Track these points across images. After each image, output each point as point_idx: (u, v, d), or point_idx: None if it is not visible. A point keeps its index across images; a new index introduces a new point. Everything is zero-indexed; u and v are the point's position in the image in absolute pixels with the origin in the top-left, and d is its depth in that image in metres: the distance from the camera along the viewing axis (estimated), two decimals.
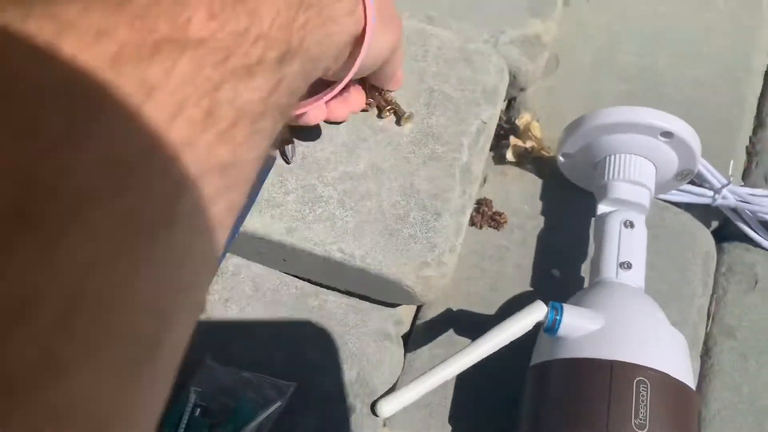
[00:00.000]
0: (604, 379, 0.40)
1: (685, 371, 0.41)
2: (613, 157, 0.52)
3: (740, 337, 0.54)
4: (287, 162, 0.47)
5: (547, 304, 0.43)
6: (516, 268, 0.55)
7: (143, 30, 0.16)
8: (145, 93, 0.15)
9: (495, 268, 0.55)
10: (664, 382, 0.40)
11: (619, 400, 0.39)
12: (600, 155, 0.53)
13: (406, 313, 0.53)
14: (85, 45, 0.15)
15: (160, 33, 0.16)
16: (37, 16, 0.14)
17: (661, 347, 0.42)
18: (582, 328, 0.43)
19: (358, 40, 0.34)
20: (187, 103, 0.16)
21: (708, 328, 0.55)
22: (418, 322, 0.53)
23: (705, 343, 0.55)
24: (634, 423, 0.38)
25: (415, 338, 0.52)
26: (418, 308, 0.54)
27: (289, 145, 0.48)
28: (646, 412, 0.38)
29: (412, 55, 0.53)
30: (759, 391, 0.52)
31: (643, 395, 0.39)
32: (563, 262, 0.56)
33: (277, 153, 0.47)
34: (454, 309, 0.53)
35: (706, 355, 0.54)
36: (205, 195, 0.17)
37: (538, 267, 0.55)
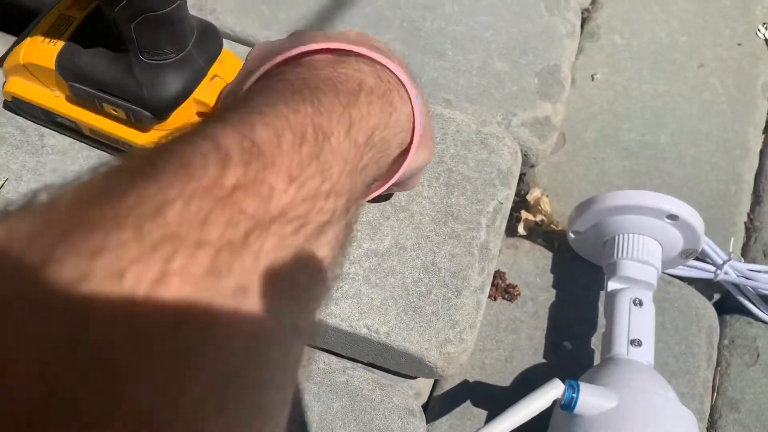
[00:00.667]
0: None
1: None
2: (621, 236, 0.55)
3: (744, 410, 0.57)
4: None
5: (563, 381, 0.46)
6: (529, 340, 0.57)
7: (233, 219, 0.17)
8: (241, 292, 0.17)
9: (509, 339, 0.57)
10: None
11: None
12: (609, 234, 0.56)
13: (424, 384, 0.55)
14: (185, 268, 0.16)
15: (247, 214, 0.18)
16: (107, 271, 0.15)
17: (672, 427, 0.44)
18: (597, 406, 0.45)
19: (402, 154, 0.37)
20: (274, 282, 0.18)
21: (713, 400, 0.57)
22: (436, 393, 0.55)
23: (711, 415, 0.57)
24: None
25: (433, 410, 0.54)
26: (436, 380, 0.56)
27: None
28: None
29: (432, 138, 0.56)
30: None
31: None
32: (574, 334, 0.58)
33: None
34: (471, 381, 0.55)
35: (711, 428, 0.56)
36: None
37: (550, 339, 0.58)
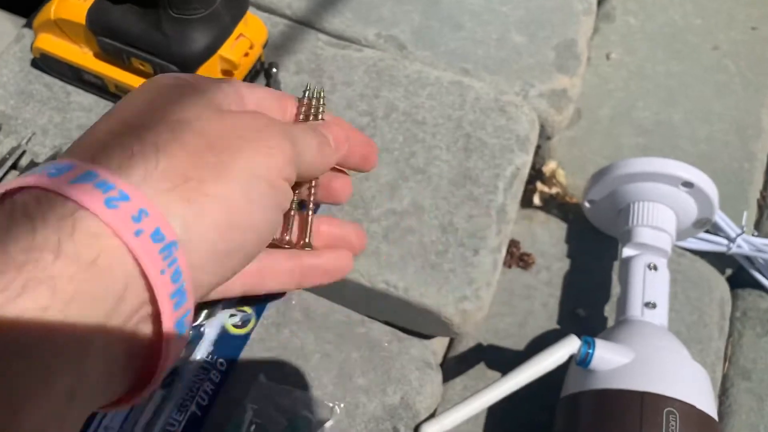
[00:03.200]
0: (636, 409, 0.42)
1: (709, 404, 0.44)
2: (637, 204, 0.55)
3: (755, 379, 0.57)
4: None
5: (579, 338, 0.46)
6: (543, 306, 0.58)
7: None
8: None
9: (523, 306, 0.58)
10: (691, 413, 0.42)
11: (650, 428, 0.41)
12: (624, 202, 0.56)
13: (439, 345, 0.55)
14: None
15: None
16: None
17: (687, 381, 0.44)
18: (613, 361, 0.45)
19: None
20: None
21: (725, 369, 0.58)
22: (450, 355, 0.56)
23: (722, 384, 0.57)
24: None
25: (448, 371, 0.55)
26: (450, 342, 0.57)
27: None
28: None
29: (450, 104, 0.57)
30: None
31: (672, 424, 0.41)
32: (588, 302, 0.58)
33: None
34: (485, 344, 0.56)
35: (723, 395, 0.56)
36: None
37: (564, 306, 0.58)
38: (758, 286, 0.62)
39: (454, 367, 0.55)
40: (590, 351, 0.45)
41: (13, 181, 0.24)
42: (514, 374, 0.45)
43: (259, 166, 0.28)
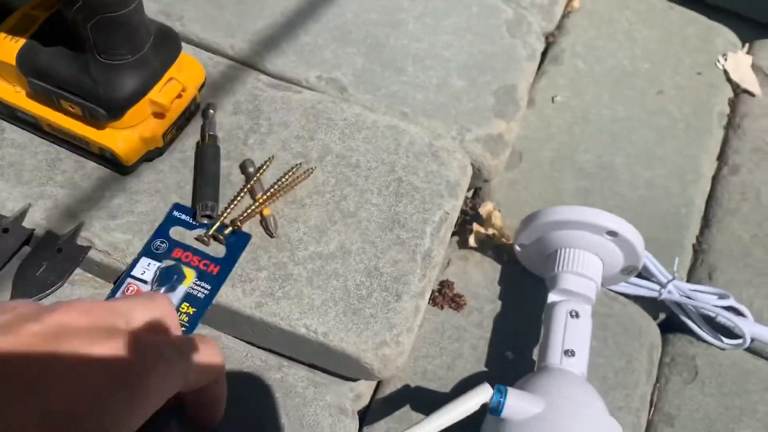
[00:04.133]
0: None
1: None
2: (563, 250, 0.56)
3: (678, 425, 0.58)
4: (270, 236, 0.52)
5: (493, 386, 0.47)
6: (472, 348, 0.59)
7: None
8: None
9: (453, 347, 0.59)
10: None
11: None
12: (551, 248, 0.57)
13: (366, 387, 0.56)
14: None
15: None
16: None
17: None
18: (525, 411, 0.46)
19: None
20: None
21: (650, 415, 0.59)
22: (377, 397, 0.56)
23: (646, 430, 0.58)
24: None
25: (373, 413, 0.55)
26: (378, 383, 0.57)
27: (271, 218, 0.52)
28: None
29: (385, 148, 0.58)
30: None
31: None
32: (516, 345, 0.59)
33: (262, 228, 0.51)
34: (412, 386, 0.57)
35: None
36: None
37: (492, 348, 0.59)
38: (688, 331, 0.63)
39: (380, 408, 0.55)
40: (502, 400, 0.46)
41: None
42: (426, 422, 0.46)
43: None
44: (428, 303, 0.59)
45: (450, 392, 0.56)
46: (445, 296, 0.61)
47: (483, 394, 0.47)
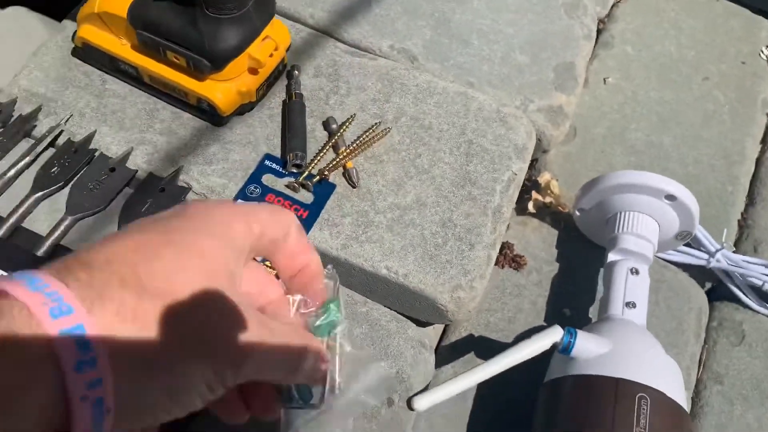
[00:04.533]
0: (611, 393, 0.46)
1: (679, 394, 0.48)
2: (623, 213, 0.60)
3: (727, 383, 0.61)
4: (353, 186, 0.55)
5: (563, 328, 0.50)
6: (532, 304, 0.62)
7: None
8: None
9: (513, 303, 0.62)
10: (661, 400, 0.46)
11: (623, 410, 0.45)
12: (611, 211, 0.61)
13: (434, 334, 0.59)
14: None
15: None
16: None
17: (659, 371, 0.48)
18: (592, 351, 0.49)
19: None
20: None
21: (699, 373, 0.62)
22: (443, 343, 0.60)
23: (696, 386, 0.61)
24: (636, 429, 0.44)
25: (440, 358, 0.58)
26: (444, 332, 0.61)
27: (354, 171, 0.56)
28: (646, 422, 0.45)
29: (455, 113, 0.62)
30: (742, 431, 0.58)
31: (643, 408, 0.45)
32: (573, 303, 0.62)
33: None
34: (475, 335, 0.60)
35: (696, 397, 0.60)
36: None
37: (551, 305, 0.62)
38: (735, 299, 0.66)
39: (445, 354, 0.59)
40: (572, 340, 0.49)
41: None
42: (501, 357, 0.49)
43: None
44: None
45: (511, 342, 0.60)
46: (506, 256, 0.64)
47: (554, 335, 0.50)
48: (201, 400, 0.27)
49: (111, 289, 0.25)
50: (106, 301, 0.24)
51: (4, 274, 0.24)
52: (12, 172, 0.53)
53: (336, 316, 0.35)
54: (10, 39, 0.77)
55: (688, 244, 0.66)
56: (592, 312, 0.62)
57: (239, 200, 0.52)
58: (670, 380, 0.48)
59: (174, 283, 0.26)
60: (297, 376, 0.32)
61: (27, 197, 0.52)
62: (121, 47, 0.56)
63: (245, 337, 0.27)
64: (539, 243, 0.66)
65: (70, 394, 0.23)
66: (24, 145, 0.55)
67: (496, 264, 0.64)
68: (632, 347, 0.50)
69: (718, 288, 0.68)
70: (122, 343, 0.24)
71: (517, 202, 0.68)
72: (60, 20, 0.69)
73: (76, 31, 0.58)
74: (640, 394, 0.46)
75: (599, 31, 0.84)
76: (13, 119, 0.56)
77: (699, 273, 0.67)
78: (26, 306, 0.23)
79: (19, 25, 0.79)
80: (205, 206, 0.31)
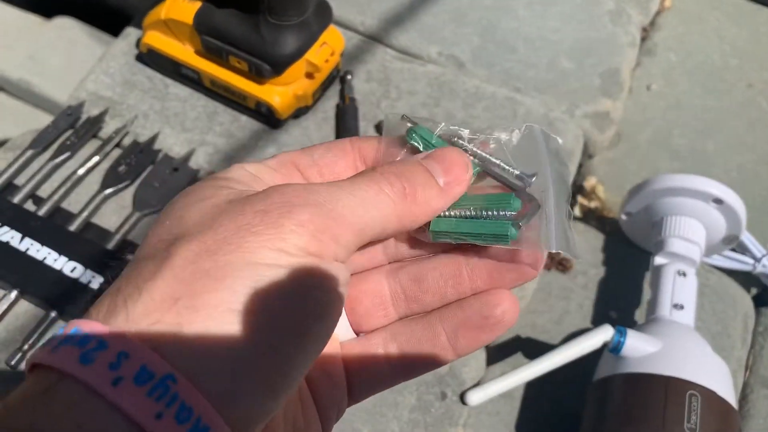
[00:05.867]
0: (661, 391, 0.47)
1: (729, 392, 0.48)
2: (670, 217, 0.60)
3: None
4: None
5: (613, 327, 0.51)
6: (578, 307, 0.63)
7: None
8: None
9: (560, 305, 0.63)
10: (712, 398, 0.47)
11: (673, 408, 0.46)
12: (658, 215, 0.61)
13: None
14: None
15: None
16: None
17: (709, 370, 0.49)
18: (642, 350, 0.50)
19: None
20: None
21: (746, 377, 0.62)
22: (492, 344, 0.61)
23: (743, 390, 0.61)
24: (687, 426, 0.45)
25: (489, 357, 0.60)
26: None
27: None
28: (696, 419, 0.45)
29: (503, 117, 0.63)
30: None
31: (694, 405, 0.46)
32: (620, 306, 0.63)
33: None
34: (523, 336, 0.61)
35: (743, 400, 0.60)
36: None
37: (597, 308, 0.63)
38: None
39: (495, 354, 0.60)
40: (622, 339, 0.50)
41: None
42: (552, 354, 0.50)
43: (265, 255, 0.21)
44: None
45: (558, 344, 0.61)
46: (552, 259, 0.65)
47: (605, 333, 0.51)
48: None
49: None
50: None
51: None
52: (82, 170, 0.55)
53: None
54: (61, 46, 0.81)
55: (734, 250, 0.67)
56: (638, 315, 0.63)
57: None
58: (719, 379, 0.49)
59: None
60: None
61: (96, 195, 0.54)
62: (184, 52, 0.59)
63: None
64: (585, 247, 0.67)
65: None
66: (93, 145, 0.58)
67: (543, 267, 0.64)
68: (681, 346, 0.50)
69: (764, 294, 0.68)
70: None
71: None
72: (102, 28, 0.73)
73: (140, 37, 0.60)
74: (690, 392, 0.47)
75: (642, 39, 0.84)
76: (81, 121, 0.58)
77: (745, 278, 0.67)
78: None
79: (66, 35, 0.83)
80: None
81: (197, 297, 0.21)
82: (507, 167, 0.26)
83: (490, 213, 0.25)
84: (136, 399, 0.19)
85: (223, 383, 0.20)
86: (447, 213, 0.25)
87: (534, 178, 0.26)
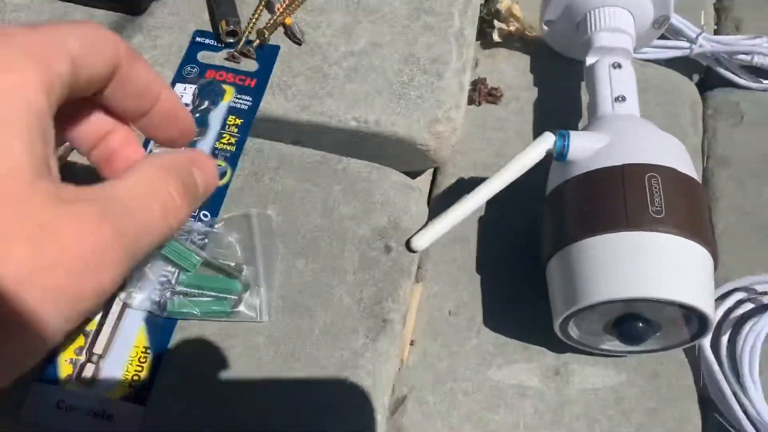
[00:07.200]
0: (617, 181, 0.43)
1: (689, 167, 0.45)
2: (592, 11, 0.55)
3: (735, 165, 0.58)
4: (298, 43, 0.50)
5: (553, 133, 0.46)
6: (517, 134, 0.58)
7: None
8: None
9: (498, 136, 0.58)
10: (672, 175, 0.43)
11: (634, 194, 0.42)
12: (581, 13, 0.56)
13: (423, 184, 0.56)
14: None
15: None
16: None
17: (664, 149, 0.45)
18: (590, 148, 0.46)
19: None
20: None
21: (704, 163, 0.59)
22: (434, 193, 0.56)
23: (704, 176, 0.58)
24: (651, 210, 0.41)
25: (433, 208, 0.55)
26: (433, 180, 0.57)
27: (295, 26, 0.50)
28: (660, 200, 0.41)
29: None
30: (760, 207, 0.55)
31: (655, 187, 0.42)
32: (560, 124, 0.58)
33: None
34: (465, 177, 0.56)
35: (707, 186, 0.57)
36: None
37: (537, 131, 0.58)
38: (726, 83, 0.62)
39: (438, 201, 0.55)
40: (566, 142, 0.46)
41: None
42: (493, 178, 0.46)
43: None
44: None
45: None
46: (480, 92, 0.60)
47: (545, 142, 0.46)
48: None
49: None
50: None
51: None
52: None
53: None
54: None
55: (666, 37, 0.62)
56: (582, 125, 0.58)
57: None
58: (676, 154, 0.45)
59: None
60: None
61: None
62: None
63: None
64: (512, 72, 0.62)
65: None
66: None
67: (472, 102, 0.59)
68: (631, 134, 0.46)
69: (706, 77, 0.64)
70: None
71: (481, 36, 0.63)
72: None
73: None
74: (649, 174, 0.43)
75: None
76: None
77: (684, 65, 0.63)
78: None
79: None
80: None
81: None
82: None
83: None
84: None
85: None
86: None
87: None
